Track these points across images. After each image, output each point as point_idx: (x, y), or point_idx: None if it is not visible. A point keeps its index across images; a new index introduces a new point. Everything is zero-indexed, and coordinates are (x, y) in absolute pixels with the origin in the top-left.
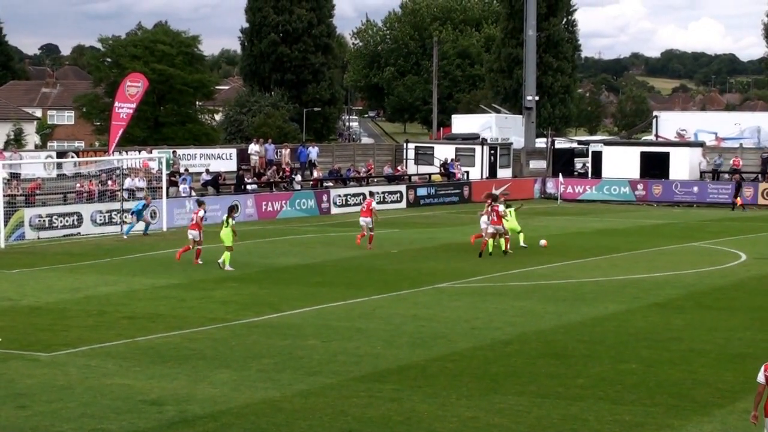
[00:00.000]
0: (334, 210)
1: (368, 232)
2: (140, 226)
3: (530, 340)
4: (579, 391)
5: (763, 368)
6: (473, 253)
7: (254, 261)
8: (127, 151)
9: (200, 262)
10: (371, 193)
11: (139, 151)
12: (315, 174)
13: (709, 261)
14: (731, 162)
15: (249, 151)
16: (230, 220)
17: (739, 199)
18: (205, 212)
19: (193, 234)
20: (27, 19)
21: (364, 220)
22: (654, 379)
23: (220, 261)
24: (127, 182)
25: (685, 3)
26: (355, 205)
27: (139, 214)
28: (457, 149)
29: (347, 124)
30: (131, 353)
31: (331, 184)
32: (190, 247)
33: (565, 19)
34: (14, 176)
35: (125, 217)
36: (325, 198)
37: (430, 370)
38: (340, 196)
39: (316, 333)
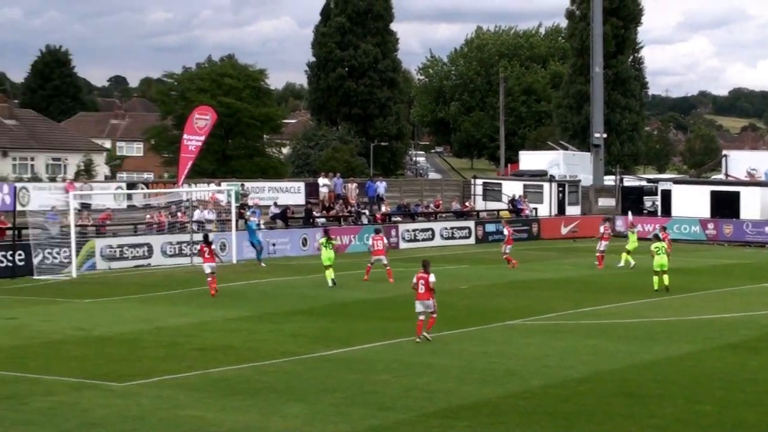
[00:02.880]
0: (403, 245)
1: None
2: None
3: (603, 378)
4: None
5: None
6: (542, 291)
7: (323, 294)
8: (196, 184)
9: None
10: (378, 230)
11: (208, 184)
12: (383, 209)
13: None
14: None
15: (319, 185)
16: (331, 242)
17: None
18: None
19: (211, 266)
20: (96, 51)
21: (378, 258)
22: (729, 421)
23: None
24: (197, 214)
25: (755, 41)
26: (423, 240)
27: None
28: (525, 186)
29: (414, 158)
30: (203, 385)
31: (399, 219)
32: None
33: (632, 57)
34: (85, 206)
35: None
36: (393, 233)
37: (503, 407)
38: (408, 231)
39: (388, 368)
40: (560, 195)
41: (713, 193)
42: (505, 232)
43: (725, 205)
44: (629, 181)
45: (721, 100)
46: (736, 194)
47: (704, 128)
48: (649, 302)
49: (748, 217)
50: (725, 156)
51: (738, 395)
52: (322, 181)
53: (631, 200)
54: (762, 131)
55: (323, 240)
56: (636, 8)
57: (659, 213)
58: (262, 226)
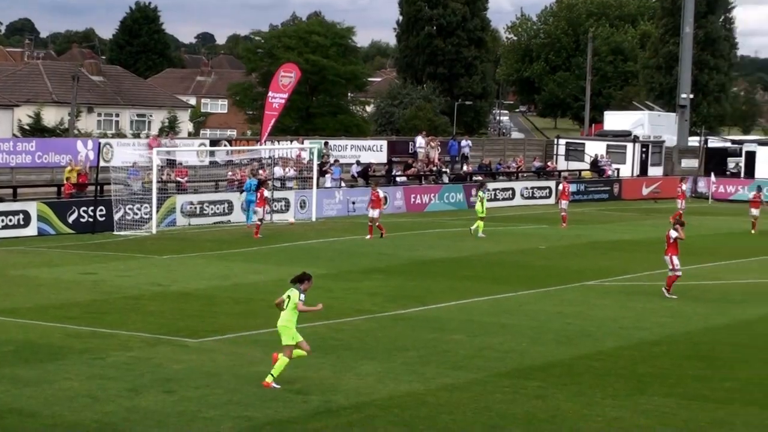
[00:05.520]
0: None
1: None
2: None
3: (678, 341)
4: (727, 395)
5: None
6: (621, 251)
7: (401, 253)
8: (278, 141)
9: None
10: (377, 184)
11: (291, 141)
12: (465, 168)
13: None
14: None
15: (417, 145)
16: (481, 193)
17: None
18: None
19: (259, 211)
20: (184, 8)
21: (373, 212)
22: None
23: (472, 228)
24: (278, 171)
25: None
26: (504, 199)
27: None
28: (608, 146)
29: (498, 118)
30: (277, 342)
31: (480, 178)
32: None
33: (723, 17)
34: (170, 163)
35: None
36: (473, 192)
37: (576, 368)
38: (489, 190)
39: (462, 327)
40: (643, 156)
41: None
42: (560, 187)
43: None
44: (714, 143)
45: None
46: None
47: None
48: (727, 264)
49: None
50: None
51: None
52: (419, 141)
53: (715, 162)
54: None
55: (480, 194)
56: None
57: (742, 174)
58: (343, 184)
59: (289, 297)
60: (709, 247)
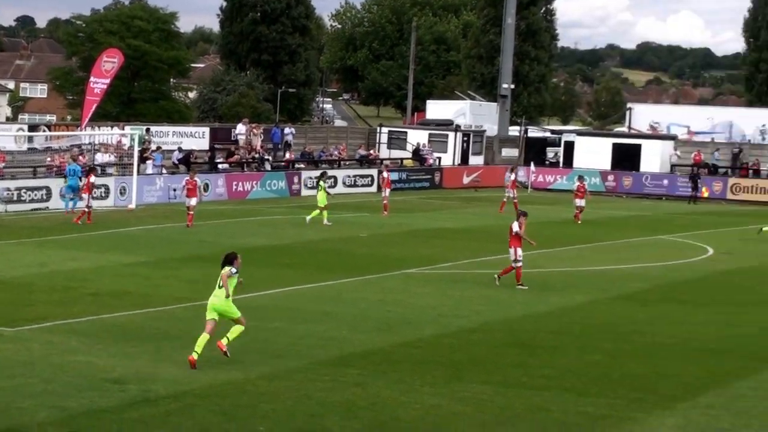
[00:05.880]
0: (305, 192)
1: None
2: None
3: (496, 329)
4: (544, 382)
5: None
6: (442, 239)
7: (222, 241)
8: (99, 127)
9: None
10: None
11: (112, 127)
12: (288, 155)
13: (676, 254)
14: (692, 156)
15: (237, 132)
16: (322, 183)
17: (704, 191)
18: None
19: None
20: None
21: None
22: (618, 371)
23: (308, 218)
24: (98, 158)
25: None
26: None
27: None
28: (430, 135)
29: (321, 105)
30: (95, 330)
31: (302, 165)
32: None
33: (544, 8)
34: None
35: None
36: (296, 180)
37: (395, 355)
38: (311, 178)
39: (283, 315)
40: (464, 145)
41: (615, 146)
42: (385, 174)
43: (626, 158)
44: (533, 132)
45: (629, 53)
46: (638, 147)
47: (610, 81)
48: (546, 252)
49: (647, 169)
50: (629, 109)
51: (625, 346)
52: (240, 127)
53: (535, 151)
54: (666, 85)
55: (322, 183)
56: None
57: (561, 164)
58: (164, 171)
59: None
60: (529, 235)
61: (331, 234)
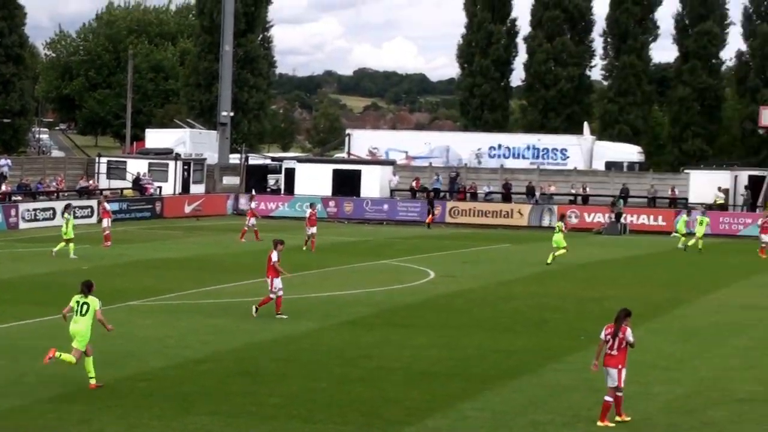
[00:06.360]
0: (23, 225)
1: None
2: None
3: (223, 358)
4: (272, 410)
5: (603, 329)
6: (166, 270)
7: None
8: None
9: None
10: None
11: None
12: (3, 188)
13: (399, 279)
14: (412, 182)
15: None
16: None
17: (430, 216)
18: None
19: None
20: None
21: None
22: (346, 397)
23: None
24: None
25: (381, 23)
26: (44, 219)
27: None
28: (150, 164)
29: (38, 136)
30: None
31: (20, 198)
32: None
33: (261, 36)
34: None
35: None
36: (13, 212)
37: (120, 390)
38: (29, 210)
39: (3, 353)
40: (185, 173)
41: (335, 172)
42: (105, 205)
43: (346, 184)
44: (254, 160)
45: (346, 79)
46: (358, 172)
47: (329, 107)
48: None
49: (367, 194)
50: (348, 135)
51: (353, 371)
52: None
53: (256, 179)
54: (384, 110)
55: (67, 215)
56: None
57: (282, 191)
58: None
59: (87, 304)
60: (250, 264)
61: (50, 267)
